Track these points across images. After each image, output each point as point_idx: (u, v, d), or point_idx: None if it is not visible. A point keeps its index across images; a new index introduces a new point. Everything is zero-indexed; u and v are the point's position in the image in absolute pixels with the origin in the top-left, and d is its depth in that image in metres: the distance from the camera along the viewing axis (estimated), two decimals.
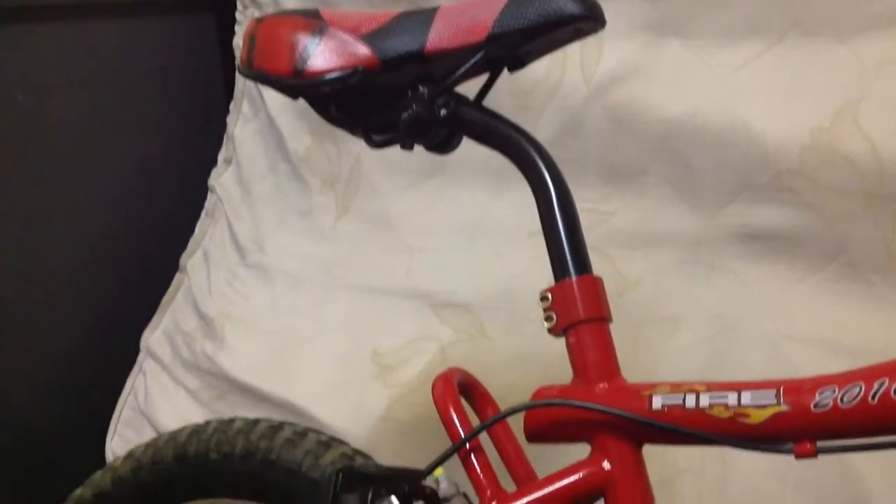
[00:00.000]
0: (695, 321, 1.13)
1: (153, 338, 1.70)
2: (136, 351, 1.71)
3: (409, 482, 0.62)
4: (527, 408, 0.72)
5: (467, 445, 0.73)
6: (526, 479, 0.77)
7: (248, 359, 1.52)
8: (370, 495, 0.56)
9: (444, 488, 0.75)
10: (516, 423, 0.78)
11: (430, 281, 1.41)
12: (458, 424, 0.74)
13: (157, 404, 1.60)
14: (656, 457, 0.73)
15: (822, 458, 1.00)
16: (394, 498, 0.66)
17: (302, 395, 1.39)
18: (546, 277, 0.74)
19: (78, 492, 0.87)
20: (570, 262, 0.73)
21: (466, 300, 1.35)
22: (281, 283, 1.57)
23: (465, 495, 0.76)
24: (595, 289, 0.73)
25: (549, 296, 0.74)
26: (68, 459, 0.89)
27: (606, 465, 0.70)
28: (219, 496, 0.82)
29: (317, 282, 1.53)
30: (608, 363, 0.72)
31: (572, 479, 0.70)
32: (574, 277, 0.73)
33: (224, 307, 1.61)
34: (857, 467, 0.99)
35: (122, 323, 1.73)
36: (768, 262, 1.12)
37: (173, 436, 0.85)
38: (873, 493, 0.99)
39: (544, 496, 0.70)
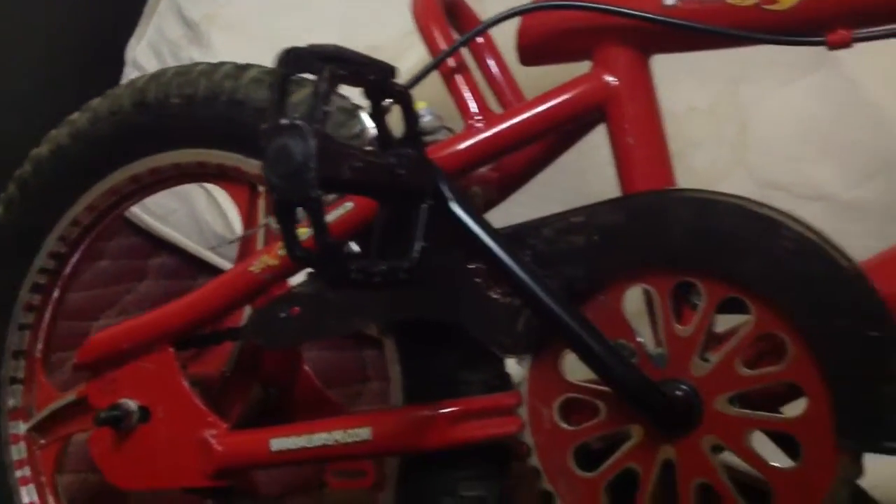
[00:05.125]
0: None
1: (139, 49, 1.59)
2: (122, 64, 1.62)
3: (379, 74, 0.53)
4: (520, 12, 0.62)
5: (450, 62, 0.65)
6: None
7: None
8: (325, 75, 0.47)
9: (427, 121, 0.66)
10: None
11: None
12: (439, 38, 0.65)
13: None
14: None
15: (851, 115, 0.92)
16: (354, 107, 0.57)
17: None
18: None
19: (35, 150, 0.80)
20: None
21: None
22: None
23: (449, 129, 0.68)
24: None
25: None
26: None
27: (609, 78, 0.61)
28: (182, 146, 0.74)
29: None
30: None
31: (568, 95, 0.62)
32: None
33: (209, 10, 1.49)
34: (890, 121, 0.90)
35: (105, 36, 1.62)
36: None
37: (132, 82, 0.77)
38: None
39: (536, 115, 0.62)
